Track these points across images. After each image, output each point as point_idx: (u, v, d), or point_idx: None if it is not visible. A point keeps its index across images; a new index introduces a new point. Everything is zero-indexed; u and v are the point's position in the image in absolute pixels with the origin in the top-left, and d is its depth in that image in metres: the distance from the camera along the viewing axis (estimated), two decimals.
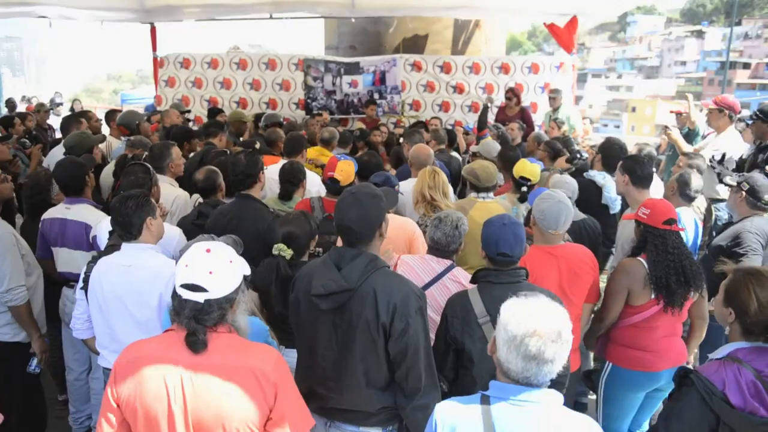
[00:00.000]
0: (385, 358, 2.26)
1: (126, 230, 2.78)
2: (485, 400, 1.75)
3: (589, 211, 4.12)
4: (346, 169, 3.78)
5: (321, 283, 2.23)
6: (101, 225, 3.41)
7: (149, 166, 3.71)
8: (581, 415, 1.76)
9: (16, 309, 3.33)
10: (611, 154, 4.66)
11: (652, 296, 3.05)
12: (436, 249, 3.06)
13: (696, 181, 4.05)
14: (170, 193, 4.06)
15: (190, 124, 8.13)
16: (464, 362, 2.59)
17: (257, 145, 5.36)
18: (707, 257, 3.93)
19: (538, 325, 1.66)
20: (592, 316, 3.34)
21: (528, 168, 4.22)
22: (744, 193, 3.81)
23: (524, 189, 4.17)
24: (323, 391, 2.35)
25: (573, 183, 3.98)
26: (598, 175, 4.59)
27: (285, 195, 4.13)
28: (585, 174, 4.64)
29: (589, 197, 4.37)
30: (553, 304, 1.73)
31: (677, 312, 3.05)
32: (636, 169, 3.74)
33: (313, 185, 4.41)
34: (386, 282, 2.26)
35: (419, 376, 2.25)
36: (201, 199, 4.12)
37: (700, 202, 4.62)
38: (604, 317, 3.21)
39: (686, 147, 6.04)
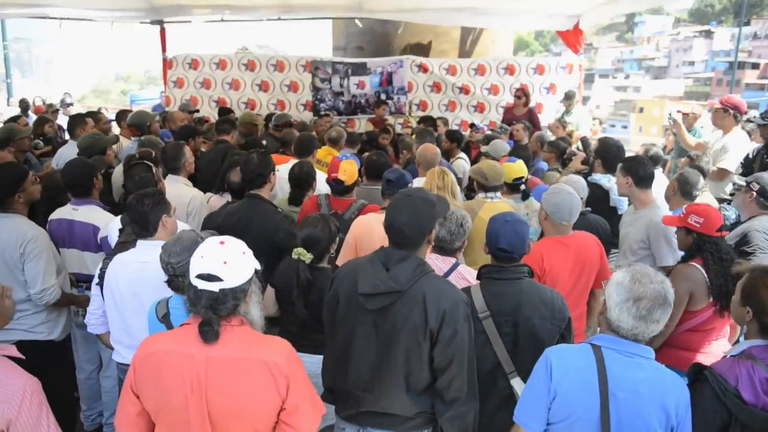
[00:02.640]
0: (428, 362, 2.24)
1: (142, 228, 2.83)
2: (597, 349, 2.03)
3: (599, 214, 4.14)
4: (349, 169, 3.80)
5: (369, 282, 2.21)
6: (111, 225, 3.45)
7: (150, 163, 3.73)
8: (672, 372, 2.04)
9: (52, 305, 3.41)
10: (611, 155, 4.59)
11: (710, 300, 3.08)
12: (440, 247, 3.08)
13: (696, 179, 4.04)
14: (186, 194, 4.06)
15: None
16: None
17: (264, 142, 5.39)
18: None
19: (647, 289, 1.96)
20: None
21: (516, 168, 4.36)
22: (754, 193, 3.80)
23: (523, 187, 4.35)
24: (357, 392, 2.32)
25: (582, 181, 4.06)
26: (603, 178, 4.56)
27: (295, 200, 4.06)
28: (589, 178, 4.61)
29: (596, 201, 4.37)
30: (660, 274, 2.03)
31: (729, 315, 3.07)
32: (638, 170, 3.73)
33: (324, 185, 4.39)
34: (436, 287, 2.24)
35: (462, 385, 2.23)
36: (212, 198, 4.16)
37: (709, 201, 4.61)
38: (669, 325, 3.15)
39: (690, 138, 6.04)
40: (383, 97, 9.48)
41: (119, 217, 3.40)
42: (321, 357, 2.91)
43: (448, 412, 2.25)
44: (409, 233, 2.27)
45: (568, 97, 8.08)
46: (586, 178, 4.38)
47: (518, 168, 4.37)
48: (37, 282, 3.29)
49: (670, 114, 6.29)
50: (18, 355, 2.04)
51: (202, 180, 4.75)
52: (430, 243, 2.41)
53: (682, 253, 3.45)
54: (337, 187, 3.85)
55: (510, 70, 9.15)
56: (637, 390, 1.94)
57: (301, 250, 2.91)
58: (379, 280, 2.20)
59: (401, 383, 2.25)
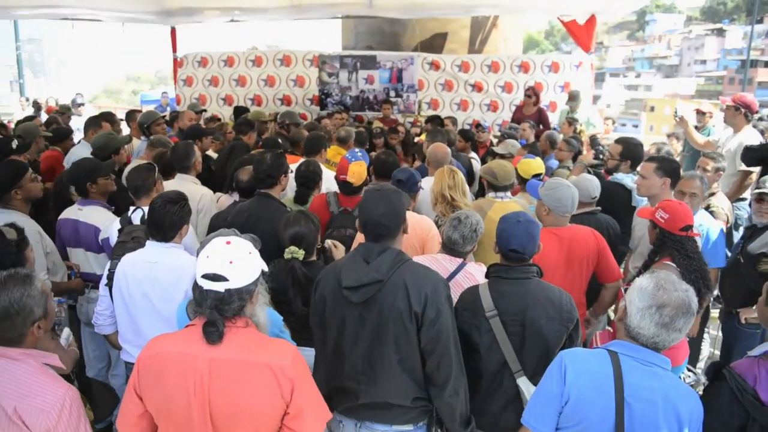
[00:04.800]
0: (417, 345, 2.32)
1: (161, 234, 2.84)
2: (614, 356, 1.98)
3: (619, 214, 4.07)
4: (357, 171, 3.81)
5: (352, 276, 2.30)
6: (112, 226, 3.48)
7: (153, 163, 3.78)
8: (687, 386, 2.03)
9: None
10: (637, 155, 4.54)
11: None
12: (451, 249, 3.06)
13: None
14: (195, 192, 4.08)
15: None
16: (471, 354, 2.61)
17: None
18: (741, 264, 3.63)
19: (672, 297, 1.91)
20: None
21: (534, 165, 4.40)
22: None
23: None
24: (354, 385, 2.38)
25: (596, 180, 4.02)
26: (626, 178, 4.49)
27: (300, 199, 4.04)
28: (611, 177, 4.56)
29: (618, 200, 4.32)
30: (684, 282, 1.98)
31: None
32: (678, 170, 3.70)
33: (334, 183, 4.38)
34: (415, 273, 2.34)
35: (450, 363, 2.32)
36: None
37: (723, 202, 4.55)
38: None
39: (698, 137, 5.98)
40: (392, 94, 9.43)
41: (120, 218, 3.44)
42: None
43: (442, 393, 2.34)
44: (388, 224, 2.37)
45: (573, 98, 8.01)
46: (601, 179, 4.33)
47: (537, 165, 4.41)
48: None
49: (675, 111, 6.24)
50: (60, 365, 2.05)
51: (215, 179, 4.78)
52: (406, 232, 2.49)
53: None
54: (346, 187, 3.85)
55: (524, 67, 9.07)
56: (652, 399, 1.91)
57: (293, 248, 2.94)
58: (362, 273, 2.29)
59: (395, 367, 2.33)
